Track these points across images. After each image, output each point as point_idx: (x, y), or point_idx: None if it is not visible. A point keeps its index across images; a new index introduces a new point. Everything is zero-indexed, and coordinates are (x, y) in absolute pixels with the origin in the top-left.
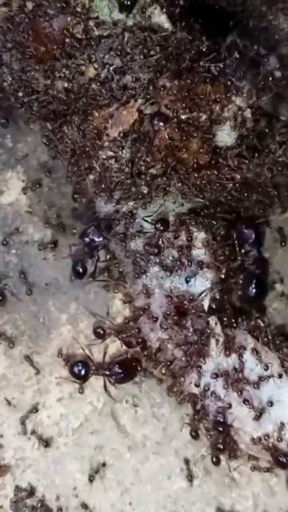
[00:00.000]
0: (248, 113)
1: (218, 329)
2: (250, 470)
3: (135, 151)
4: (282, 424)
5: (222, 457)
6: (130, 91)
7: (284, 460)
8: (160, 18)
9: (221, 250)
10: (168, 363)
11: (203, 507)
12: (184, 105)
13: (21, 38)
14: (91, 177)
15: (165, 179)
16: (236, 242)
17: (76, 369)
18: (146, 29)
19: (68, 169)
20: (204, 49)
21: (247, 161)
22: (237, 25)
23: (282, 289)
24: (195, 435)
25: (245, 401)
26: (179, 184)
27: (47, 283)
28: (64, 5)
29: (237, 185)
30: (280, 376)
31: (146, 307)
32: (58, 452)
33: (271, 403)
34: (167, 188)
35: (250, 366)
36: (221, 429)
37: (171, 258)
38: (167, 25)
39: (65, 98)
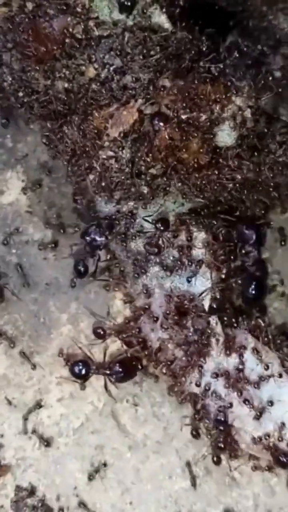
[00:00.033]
0: (248, 113)
1: (218, 328)
2: (250, 470)
3: (135, 151)
4: (283, 424)
5: (222, 456)
6: (130, 91)
7: (285, 460)
8: (160, 18)
9: (221, 250)
10: (169, 362)
11: (204, 507)
12: (184, 105)
13: (21, 38)
14: (91, 177)
15: (165, 179)
16: (236, 242)
17: (76, 369)
18: (146, 29)
19: (68, 169)
20: (204, 49)
21: (247, 161)
22: (237, 25)
23: (282, 289)
24: (195, 434)
25: (246, 400)
26: (179, 184)
27: (47, 283)
28: (65, 6)
29: (238, 185)
30: (280, 375)
31: (147, 307)
32: (59, 452)
33: (271, 403)
34: (167, 188)
35: (251, 365)
36: (222, 428)
37: (171, 258)
38: (167, 25)
39: (65, 98)
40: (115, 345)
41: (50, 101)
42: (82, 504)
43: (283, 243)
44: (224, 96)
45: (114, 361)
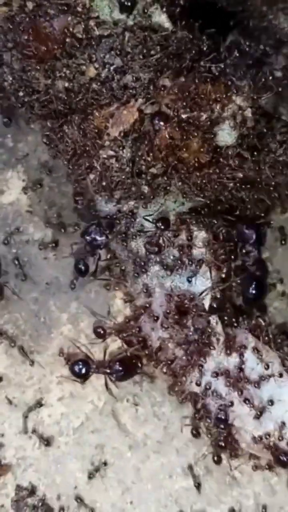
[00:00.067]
0: (248, 113)
1: (219, 328)
2: (251, 469)
3: (135, 151)
4: (283, 423)
5: (223, 456)
6: (131, 91)
7: (285, 459)
8: (161, 18)
9: (221, 249)
10: (169, 362)
11: (204, 506)
12: (184, 104)
13: (21, 38)
14: (92, 176)
15: (165, 178)
16: (237, 242)
17: (76, 368)
18: (146, 28)
19: (69, 169)
20: (204, 49)
21: (247, 161)
22: (237, 25)
23: (282, 289)
24: (195, 434)
25: (246, 400)
26: (180, 184)
27: (47, 282)
28: (65, 6)
29: (238, 184)
30: (280, 375)
31: (147, 306)
32: (59, 451)
33: (271, 402)
34: (168, 188)
35: (251, 365)
36: (222, 426)
37: (171, 257)
38: (167, 24)
39: (65, 97)
40: (115, 344)
41: (50, 101)
42: (79, 498)
43: (283, 242)
44: (224, 96)
45: (114, 360)
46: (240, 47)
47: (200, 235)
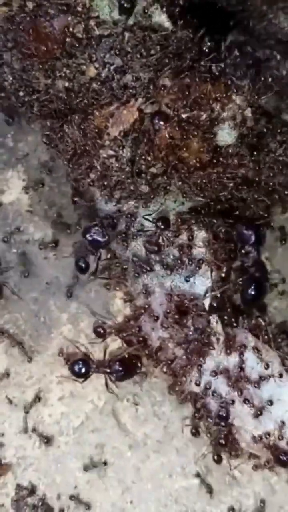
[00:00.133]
0: (248, 112)
1: (219, 327)
2: (251, 469)
3: (135, 150)
4: (283, 423)
5: (223, 455)
6: (131, 90)
7: (285, 459)
8: (161, 18)
9: (222, 249)
10: (169, 362)
11: (204, 506)
12: (184, 104)
13: (21, 37)
14: (92, 176)
15: (165, 178)
16: (236, 242)
17: (76, 367)
18: (146, 28)
19: (69, 169)
20: (204, 48)
21: (247, 160)
22: (237, 24)
23: (282, 288)
24: (195, 432)
25: (246, 400)
26: (180, 183)
27: (47, 282)
28: (65, 6)
29: (238, 184)
30: (280, 375)
31: (147, 306)
32: (59, 450)
33: (271, 402)
34: (168, 187)
35: (251, 364)
36: (223, 424)
37: (172, 257)
38: (167, 24)
39: (65, 97)
40: (115, 344)
41: (50, 100)
42: (73, 496)
43: (283, 242)
44: (224, 95)
45: (113, 359)
46: (243, 48)
47: (200, 235)
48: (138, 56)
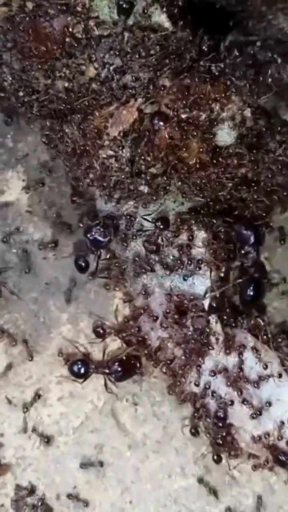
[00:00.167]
0: (248, 112)
1: (218, 327)
2: (250, 469)
3: (135, 150)
4: (282, 423)
5: (222, 455)
6: (130, 91)
7: (284, 459)
8: (160, 18)
9: (221, 249)
10: (168, 362)
11: (203, 506)
12: (184, 104)
13: (21, 38)
14: (91, 176)
15: (165, 178)
16: (235, 242)
17: (75, 368)
18: (146, 28)
19: (68, 169)
20: (204, 49)
21: (247, 160)
22: (237, 25)
23: (282, 288)
24: (194, 432)
25: (245, 400)
26: (179, 183)
27: (47, 282)
28: (65, 6)
29: (237, 184)
30: (280, 375)
31: (146, 306)
32: (59, 451)
33: (270, 402)
34: (167, 187)
35: (250, 364)
36: (220, 424)
37: (171, 257)
38: (167, 24)
39: (65, 97)
40: (115, 344)
41: (50, 101)
42: (70, 495)
43: (282, 242)
44: (223, 95)
45: (113, 360)
46: (243, 49)
47: (200, 235)
48: (138, 56)
